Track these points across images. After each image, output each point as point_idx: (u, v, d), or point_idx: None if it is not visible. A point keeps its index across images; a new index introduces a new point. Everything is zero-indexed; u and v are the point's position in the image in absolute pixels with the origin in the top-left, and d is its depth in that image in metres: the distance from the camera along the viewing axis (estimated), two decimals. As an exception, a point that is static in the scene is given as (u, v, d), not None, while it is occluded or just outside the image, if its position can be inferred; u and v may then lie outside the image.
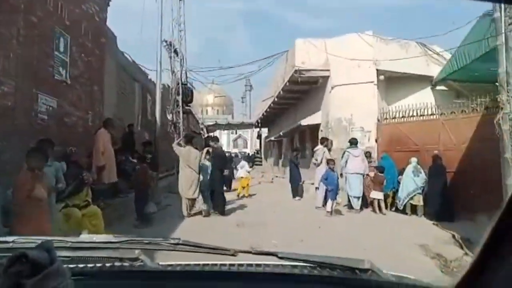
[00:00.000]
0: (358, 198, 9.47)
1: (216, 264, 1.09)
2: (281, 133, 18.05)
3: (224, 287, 1.03)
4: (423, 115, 10.88)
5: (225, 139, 62.79)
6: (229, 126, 37.76)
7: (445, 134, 9.71)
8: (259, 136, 36.85)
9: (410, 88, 12.55)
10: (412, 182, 9.49)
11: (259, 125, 26.59)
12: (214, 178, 8.83)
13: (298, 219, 8.55)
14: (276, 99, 17.16)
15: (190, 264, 1.10)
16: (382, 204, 9.32)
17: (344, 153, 9.64)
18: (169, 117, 14.46)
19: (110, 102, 11.23)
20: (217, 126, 38.15)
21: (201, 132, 34.74)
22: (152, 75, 15.06)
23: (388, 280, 0.99)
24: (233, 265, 1.07)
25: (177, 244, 1.11)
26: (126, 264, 1.06)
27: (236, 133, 42.72)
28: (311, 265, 1.05)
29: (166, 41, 14.45)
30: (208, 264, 1.09)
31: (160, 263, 1.12)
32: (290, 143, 19.76)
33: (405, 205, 9.48)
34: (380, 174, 9.44)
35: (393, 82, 12.55)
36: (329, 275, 1.00)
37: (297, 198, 11.65)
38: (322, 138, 10.10)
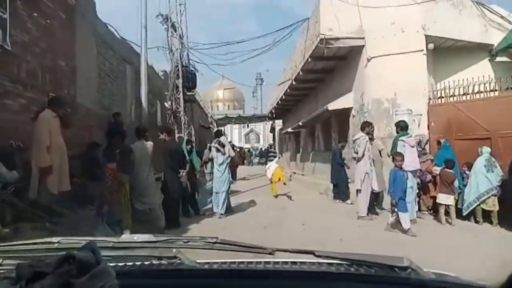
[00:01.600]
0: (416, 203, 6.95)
1: (252, 262, 1.07)
2: (300, 123, 15.48)
3: (261, 285, 1.00)
4: (494, 90, 8.25)
5: (236, 134, 60.63)
6: (240, 120, 35.34)
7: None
8: (272, 129, 34.32)
9: (463, 60, 9.87)
10: (484, 180, 6.98)
11: (273, 115, 23.95)
12: (166, 182, 6.77)
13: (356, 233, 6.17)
14: (293, 83, 14.58)
15: (226, 262, 1.08)
16: (453, 211, 6.75)
17: (395, 142, 7.08)
18: (167, 104, 12.06)
19: (89, 85, 8.86)
20: (227, 119, 35.78)
21: (210, 126, 32.45)
22: (152, 58, 12.68)
23: (428, 278, 0.96)
24: (269, 263, 1.06)
25: (215, 243, 1.13)
26: (164, 262, 1.07)
27: (247, 126, 40.28)
28: (348, 263, 1.03)
29: (162, 15, 12.03)
30: (244, 262, 1.07)
31: (198, 261, 1.08)
32: (311, 134, 17.16)
33: (472, 211, 6.97)
34: (449, 170, 6.86)
35: (442, 53, 9.87)
36: (366, 273, 0.98)
37: (348, 202, 9.27)
38: (365, 122, 7.52)
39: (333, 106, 11.03)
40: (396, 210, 6.00)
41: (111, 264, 0.89)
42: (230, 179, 8.29)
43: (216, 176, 7.82)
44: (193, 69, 13.46)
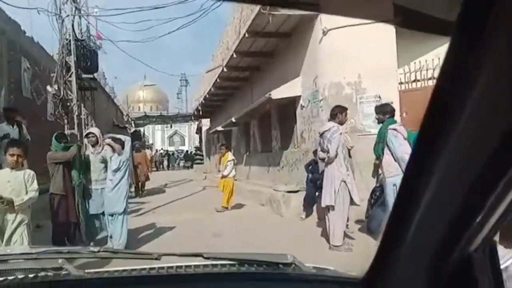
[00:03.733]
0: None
1: (144, 269, 1.05)
2: (232, 119, 12.93)
3: None
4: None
5: (159, 136, 56.38)
6: (161, 119, 31.89)
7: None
8: (199, 130, 31.35)
9: (432, 40, 8.16)
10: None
11: (200, 113, 21.05)
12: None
13: None
14: (224, 70, 12.00)
15: (118, 270, 1.06)
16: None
17: (381, 132, 4.85)
18: (51, 89, 8.70)
19: None
20: (147, 119, 32.05)
21: (127, 126, 28.48)
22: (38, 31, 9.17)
23: (309, 272, 1.03)
24: (162, 268, 1.05)
25: (98, 251, 1.10)
26: (50, 274, 1.00)
27: (171, 127, 36.75)
28: (237, 262, 1.06)
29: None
30: (135, 269, 1.05)
31: (86, 271, 1.03)
32: (244, 133, 14.70)
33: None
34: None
35: (408, 25, 8.03)
36: (255, 271, 1.03)
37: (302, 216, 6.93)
38: (337, 107, 5.16)
39: (277, 94, 8.64)
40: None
41: None
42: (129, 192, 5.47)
43: (108, 188, 4.90)
44: (92, 44, 10.20)
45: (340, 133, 5.01)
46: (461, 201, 0.58)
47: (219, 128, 16.98)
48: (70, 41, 9.08)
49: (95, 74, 10.94)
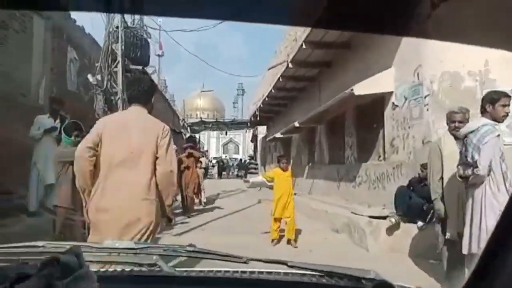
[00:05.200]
0: None
1: (229, 271, 1.11)
2: (295, 124, 11.19)
3: None
4: None
5: (214, 144, 56.19)
6: (217, 125, 30.96)
7: None
8: (254, 138, 30.01)
9: None
10: None
11: (257, 119, 19.52)
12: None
13: None
14: (289, 66, 10.31)
15: (204, 271, 1.13)
16: None
17: None
18: (92, 78, 7.56)
19: None
20: (202, 125, 31.32)
21: (182, 131, 27.86)
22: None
23: None
24: (245, 272, 1.11)
25: (193, 251, 1.18)
26: (144, 269, 1.09)
27: (226, 134, 35.89)
28: (320, 274, 1.07)
29: None
30: (221, 271, 1.11)
31: (176, 269, 1.12)
32: (308, 141, 12.86)
33: None
34: None
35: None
36: (336, 284, 1.04)
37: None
38: (493, 92, 3.26)
39: (361, 90, 6.75)
40: None
41: (93, 269, 0.99)
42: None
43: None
44: (143, 34, 9.06)
45: (497, 135, 3.06)
46: None
47: (278, 135, 15.30)
48: (118, 27, 7.95)
49: (146, 69, 9.80)
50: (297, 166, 14.35)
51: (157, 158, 2.46)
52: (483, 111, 3.18)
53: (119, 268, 1.12)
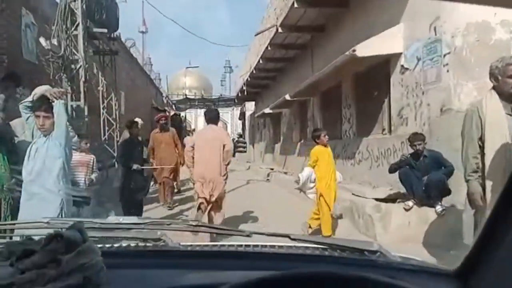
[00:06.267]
0: None
1: (233, 245, 1.12)
2: (286, 97, 10.15)
3: (240, 266, 1.01)
4: None
5: (201, 123, 54.90)
6: (203, 103, 29.75)
7: None
8: (242, 115, 28.90)
9: None
10: None
11: (244, 94, 18.33)
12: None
13: None
14: (279, 31, 9.17)
15: (208, 245, 1.16)
16: None
17: None
18: (45, 43, 6.36)
19: None
20: (188, 102, 30.03)
21: (166, 108, 26.60)
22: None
23: (395, 261, 1.01)
24: (248, 246, 1.11)
25: (196, 225, 1.20)
26: (149, 244, 1.09)
27: (213, 112, 34.80)
28: (322, 246, 1.08)
29: None
30: (225, 245, 1.14)
31: (181, 243, 1.11)
32: (300, 115, 11.85)
33: None
34: None
35: None
36: (339, 256, 1.03)
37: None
38: None
39: (365, 51, 5.70)
40: None
41: (99, 245, 0.94)
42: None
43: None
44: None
45: None
46: None
47: (267, 111, 14.28)
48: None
49: (117, 34, 8.53)
50: (288, 143, 13.42)
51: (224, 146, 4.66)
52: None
53: (124, 243, 1.12)
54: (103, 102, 9.17)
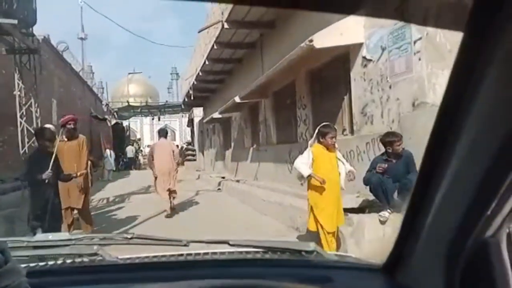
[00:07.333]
0: None
1: (173, 255, 1.09)
2: (236, 99, 9.35)
3: (180, 276, 1.00)
4: None
5: (147, 131, 52.73)
6: (148, 110, 28.16)
7: None
8: (190, 122, 27.69)
9: None
10: None
11: (191, 98, 17.15)
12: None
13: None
14: (225, 26, 8.36)
15: (148, 256, 1.10)
16: None
17: None
18: None
19: None
20: (131, 109, 28.30)
21: (106, 117, 24.76)
22: None
23: (331, 259, 1.07)
24: (190, 254, 1.09)
25: (132, 238, 1.13)
26: (86, 260, 1.05)
27: (159, 120, 32.82)
28: (263, 250, 1.08)
29: None
30: (164, 255, 1.09)
31: (119, 256, 1.07)
32: (251, 119, 11.10)
33: None
34: None
35: None
36: (279, 258, 1.05)
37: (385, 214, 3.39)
38: None
39: (323, 41, 5.04)
40: None
41: (32, 264, 0.97)
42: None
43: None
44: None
45: None
46: (476, 188, 0.59)
47: (216, 115, 13.36)
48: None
49: (47, 35, 7.18)
50: (239, 149, 12.61)
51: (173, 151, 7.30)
52: None
53: (59, 261, 1.06)
54: (20, 110, 7.74)
